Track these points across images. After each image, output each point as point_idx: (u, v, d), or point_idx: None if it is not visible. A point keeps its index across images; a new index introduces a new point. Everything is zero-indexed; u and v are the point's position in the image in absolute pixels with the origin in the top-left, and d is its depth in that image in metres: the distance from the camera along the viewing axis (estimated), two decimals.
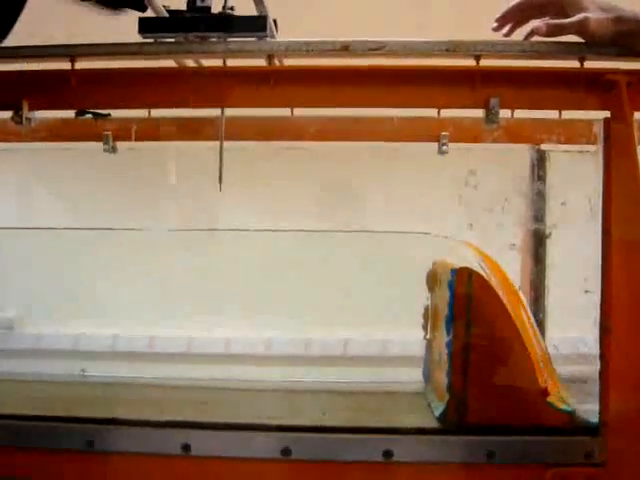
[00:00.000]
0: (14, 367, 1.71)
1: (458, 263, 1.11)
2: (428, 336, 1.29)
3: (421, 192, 1.53)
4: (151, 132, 1.35)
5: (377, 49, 1.03)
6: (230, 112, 1.23)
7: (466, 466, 1.04)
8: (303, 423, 1.07)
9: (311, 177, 1.58)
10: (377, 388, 1.35)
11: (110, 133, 1.35)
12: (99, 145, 1.35)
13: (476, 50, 1.04)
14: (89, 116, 1.14)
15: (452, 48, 1.04)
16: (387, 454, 1.03)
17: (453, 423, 1.06)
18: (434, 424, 1.09)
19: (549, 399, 1.05)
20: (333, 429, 1.06)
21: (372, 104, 1.12)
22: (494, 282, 1.06)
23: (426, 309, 1.29)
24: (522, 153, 1.37)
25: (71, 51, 1.08)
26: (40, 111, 1.13)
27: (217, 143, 1.33)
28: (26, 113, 1.08)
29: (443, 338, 1.13)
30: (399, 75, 1.07)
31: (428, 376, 1.29)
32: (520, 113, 1.20)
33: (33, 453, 1.07)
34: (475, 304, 1.04)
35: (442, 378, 1.13)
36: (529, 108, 1.11)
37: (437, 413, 1.09)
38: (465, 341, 1.05)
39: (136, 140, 1.36)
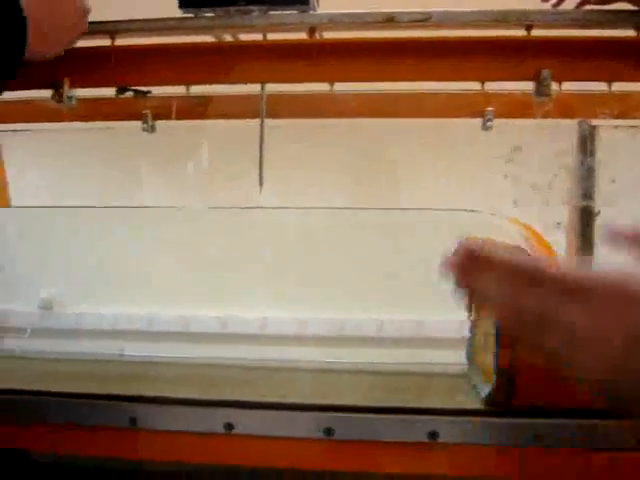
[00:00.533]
0: (53, 346, 1.74)
1: (506, 241, 1.07)
2: (472, 317, 1.26)
3: (464, 169, 1.50)
4: (190, 110, 1.33)
5: (423, 20, 1.00)
6: (267, 88, 1.21)
7: (512, 448, 1.02)
8: (346, 403, 1.05)
9: (350, 154, 1.55)
10: (417, 370, 1.32)
11: (149, 112, 1.33)
12: (137, 124, 1.34)
13: (527, 20, 1.00)
14: (130, 94, 1.13)
15: (501, 18, 1.01)
16: (432, 435, 1.01)
17: (500, 405, 1.03)
18: (480, 405, 1.06)
19: None
20: (377, 409, 1.04)
21: (417, 78, 1.09)
22: None
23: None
24: (570, 128, 1.32)
25: (111, 27, 1.07)
26: (79, 90, 1.14)
27: (251, 121, 1.32)
28: (67, 91, 1.08)
29: (489, 319, 1.10)
30: (445, 47, 1.04)
31: (472, 357, 1.26)
32: (568, 85, 1.16)
33: (77, 430, 1.07)
34: None
35: (488, 359, 1.10)
36: (581, 80, 1.07)
37: (483, 394, 1.06)
38: None
39: (175, 119, 1.35)
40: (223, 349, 1.73)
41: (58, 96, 1.06)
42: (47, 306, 1.91)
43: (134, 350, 1.66)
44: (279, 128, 1.23)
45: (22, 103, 1.31)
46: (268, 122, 1.32)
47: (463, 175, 1.49)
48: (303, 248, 1.56)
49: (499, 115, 1.33)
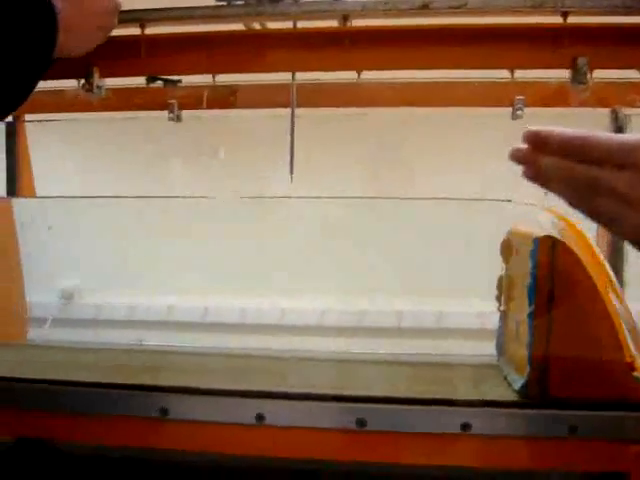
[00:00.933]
0: (75, 336, 1.75)
1: (538, 231, 1.06)
2: (502, 308, 1.25)
3: (494, 159, 1.47)
4: (217, 100, 1.32)
5: (458, 7, 0.98)
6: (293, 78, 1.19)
7: (546, 440, 1.02)
8: (378, 394, 1.05)
9: (377, 144, 1.53)
10: (446, 360, 1.31)
11: (175, 101, 1.32)
12: (163, 114, 1.34)
13: (563, 6, 0.98)
14: (159, 83, 1.12)
15: (537, 4, 0.99)
16: (465, 427, 1.00)
17: (534, 396, 1.02)
18: (513, 397, 1.05)
19: (635, 373, 1.00)
20: (409, 400, 1.04)
21: (450, 65, 1.08)
22: (579, 252, 1.01)
23: (500, 280, 1.25)
24: (600, 117, 1.30)
25: (141, 16, 1.06)
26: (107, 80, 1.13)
27: (280, 111, 1.30)
28: (96, 81, 1.07)
29: (521, 309, 1.09)
30: (480, 34, 1.03)
31: (502, 348, 1.25)
32: (597, 73, 1.14)
33: (106, 420, 1.08)
34: (559, 274, 1.00)
35: (520, 350, 1.09)
36: (618, 68, 1.05)
37: (516, 386, 1.05)
38: (548, 312, 1.00)
39: (201, 108, 1.35)
40: (242, 339, 1.73)
41: (88, 85, 1.05)
42: (68, 296, 1.92)
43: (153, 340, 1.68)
44: (306, 118, 1.22)
45: (50, 93, 1.30)
46: (296, 111, 1.31)
47: (493, 165, 1.47)
48: (334, 238, 1.56)
49: (529, 104, 1.32)
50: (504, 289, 1.24)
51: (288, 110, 1.29)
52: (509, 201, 1.15)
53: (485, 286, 1.27)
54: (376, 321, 1.78)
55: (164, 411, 1.05)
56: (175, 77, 1.12)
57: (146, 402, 1.05)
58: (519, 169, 1.47)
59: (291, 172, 1.17)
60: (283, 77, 1.26)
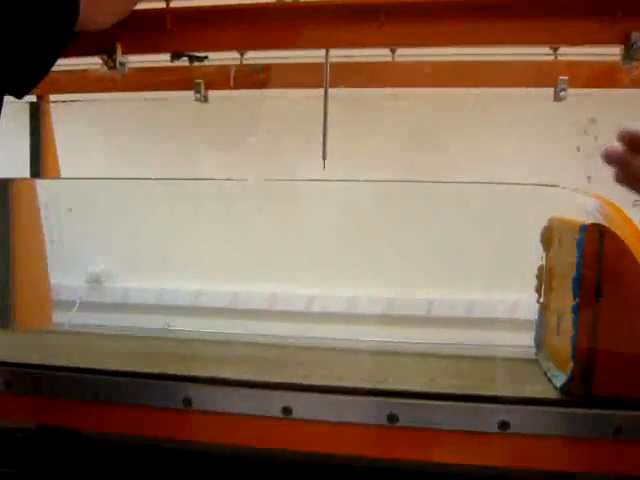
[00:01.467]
0: (103, 320, 1.73)
1: (584, 219, 1.00)
2: (542, 300, 1.19)
3: (535, 142, 1.41)
4: (245, 79, 1.27)
5: None
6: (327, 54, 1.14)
7: (589, 441, 0.95)
8: (410, 388, 1.00)
9: (413, 126, 1.47)
10: (482, 353, 1.26)
11: (202, 81, 1.28)
12: (190, 94, 1.29)
13: None
14: (185, 59, 1.07)
15: None
16: (503, 425, 0.95)
17: (577, 394, 0.96)
18: (554, 395, 0.99)
19: None
20: (444, 396, 0.98)
21: (493, 41, 1.01)
22: (629, 241, 0.94)
23: (540, 270, 1.19)
24: None
25: None
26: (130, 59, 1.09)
27: (312, 92, 1.25)
28: (119, 57, 1.03)
29: (564, 302, 1.02)
30: (527, 7, 0.96)
31: (541, 342, 1.19)
32: None
33: (128, 409, 1.04)
34: (607, 265, 0.93)
35: (562, 345, 1.03)
36: None
37: (558, 383, 0.99)
38: (594, 306, 0.94)
39: (229, 88, 1.30)
40: (268, 326, 1.69)
41: (111, 62, 1.01)
42: (96, 280, 1.89)
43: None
44: (337, 97, 1.17)
45: (74, 73, 1.27)
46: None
47: (533, 148, 1.40)
48: (368, 223, 1.50)
49: (573, 85, 1.24)
50: (544, 280, 1.18)
51: (316, 91, 1.24)
52: (555, 186, 1.08)
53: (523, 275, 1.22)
54: (408, 309, 1.72)
55: (187, 401, 1.01)
56: (202, 54, 1.08)
57: (170, 392, 1.01)
58: (560, 153, 1.42)
59: (324, 157, 1.11)
60: (313, 55, 1.21)
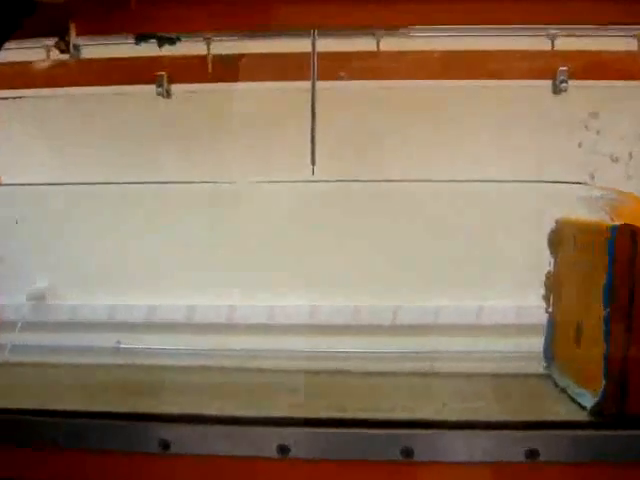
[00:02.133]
0: (46, 341, 1.54)
1: (608, 219, 0.90)
2: (550, 308, 1.09)
3: (534, 137, 1.31)
4: (213, 72, 1.13)
5: None
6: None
7: (627, 466, 0.85)
8: (424, 417, 0.87)
9: (412, 118, 1.35)
10: (487, 370, 1.15)
11: (165, 74, 1.13)
12: (151, 89, 1.14)
13: None
14: (153, 41, 0.93)
15: None
16: (531, 454, 0.83)
17: (610, 415, 0.86)
18: (583, 416, 0.88)
19: None
20: (463, 424, 0.86)
21: (500, 20, 0.91)
22: None
23: (548, 276, 1.09)
24: None
25: None
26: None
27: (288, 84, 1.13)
28: (73, 39, 0.87)
29: (585, 311, 0.93)
30: None
31: (553, 354, 1.08)
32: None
33: (94, 456, 0.88)
34: None
35: (585, 359, 0.93)
36: None
37: (586, 403, 0.89)
38: (628, 316, 0.84)
39: (195, 82, 1.16)
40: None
41: (63, 45, 0.85)
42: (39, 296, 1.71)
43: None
44: (325, 91, 1.04)
45: (15, 65, 1.10)
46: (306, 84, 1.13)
47: (532, 144, 1.31)
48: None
49: (572, 76, 1.16)
50: (553, 287, 1.08)
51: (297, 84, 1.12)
52: (582, 184, 0.99)
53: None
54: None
55: (164, 444, 0.86)
56: (172, 35, 0.93)
57: (144, 435, 0.86)
58: (560, 149, 1.32)
59: (313, 163, 1.00)
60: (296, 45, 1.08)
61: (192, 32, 0.95)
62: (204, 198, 1.41)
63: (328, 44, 1.08)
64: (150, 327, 1.66)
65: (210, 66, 1.04)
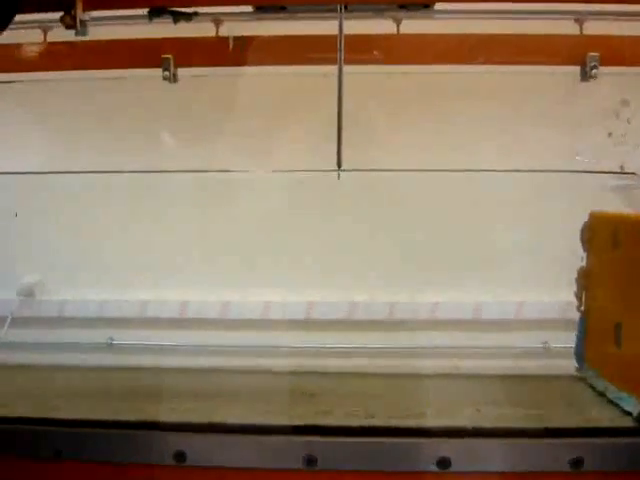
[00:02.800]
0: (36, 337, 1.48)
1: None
2: (582, 307, 1.03)
3: (561, 126, 1.25)
4: (223, 54, 1.06)
5: None
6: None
7: None
8: (460, 425, 0.81)
9: (426, 107, 1.28)
10: (516, 372, 1.09)
11: (171, 57, 1.06)
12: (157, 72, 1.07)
13: None
14: (167, 17, 0.85)
15: None
16: (576, 463, 0.78)
17: None
18: (628, 422, 0.83)
19: None
20: (501, 432, 0.80)
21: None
22: None
23: (580, 273, 1.03)
24: None
25: None
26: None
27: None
28: (80, 14, 0.80)
29: (625, 309, 0.87)
30: None
31: (586, 356, 1.02)
32: None
33: (104, 469, 0.81)
34: None
35: (628, 361, 0.87)
36: None
37: (631, 408, 0.83)
38: None
39: (203, 65, 1.09)
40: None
41: (70, 20, 0.78)
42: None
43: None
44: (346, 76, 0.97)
45: (10, 47, 1.02)
46: (324, 69, 1.07)
47: (558, 132, 1.24)
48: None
49: (603, 63, 1.10)
50: (586, 284, 1.02)
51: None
52: (633, 174, 0.93)
53: None
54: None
55: (180, 456, 0.79)
56: (189, 10, 0.86)
57: (157, 445, 0.79)
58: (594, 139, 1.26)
59: (339, 165, 0.93)
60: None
61: (210, 6, 0.87)
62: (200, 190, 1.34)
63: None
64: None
65: (231, 45, 0.95)
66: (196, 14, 0.87)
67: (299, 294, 1.44)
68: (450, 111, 1.25)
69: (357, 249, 1.36)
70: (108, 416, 0.83)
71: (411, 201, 1.28)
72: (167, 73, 1.06)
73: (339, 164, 0.95)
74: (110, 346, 1.53)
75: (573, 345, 1.04)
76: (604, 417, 0.85)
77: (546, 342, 1.25)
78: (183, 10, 0.86)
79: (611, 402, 0.89)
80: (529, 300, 1.28)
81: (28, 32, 1.05)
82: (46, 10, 0.79)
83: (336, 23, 1.01)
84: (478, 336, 1.29)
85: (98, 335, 1.52)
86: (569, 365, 1.04)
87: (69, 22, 0.78)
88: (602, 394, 0.92)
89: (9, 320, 1.50)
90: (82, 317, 1.52)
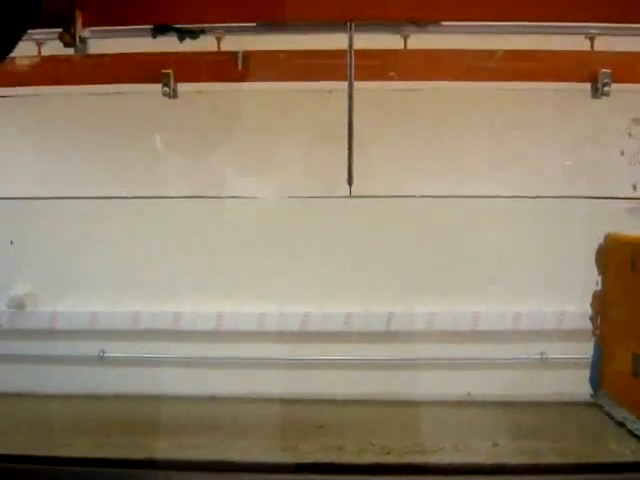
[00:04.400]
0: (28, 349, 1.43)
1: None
2: (598, 332, 1.00)
3: (572, 144, 1.22)
4: (225, 70, 1.02)
5: None
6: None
7: None
8: (478, 461, 0.77)
9: (432, 123, 1.24)
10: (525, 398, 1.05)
11: (171, 72, 1.02)
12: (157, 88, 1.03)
13: None
14: (172, 34, 0.81)
15: None
16: None
17: None
18: None
19: None
20: (520, 469, 0.77)
21: (553, 17, 0.82)
22: None
23: (595, 296, 1.00)
24: None
25: None
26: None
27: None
28: (79, 30, 0.76)
29: (635, 337, 0.84)
30: None
31: (599, 381, 0.99)
32: None
33: None
34: None
35: None
36: None
37: None
38: None
39: (203, 81, 1.05)
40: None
41: (69, 37, 0.74)
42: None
43: None
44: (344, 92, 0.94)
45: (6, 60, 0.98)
46: (328, 84, 1.03)
47: (569, 152, 1.21)
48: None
49: (615, 79, 1.07)
50: (602, 309, 0.99)
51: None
52: None
53: None
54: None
55: None
56: (195, 26, 0.82)
57: None
58: (606, 158, 1.23)
59: (350, 182, 0.90)
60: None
61: (217, 23, 0.83)
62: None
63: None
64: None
65: (240, 63, 0.91)
66: (203, 32, 0.83)
67: None
68: (462, 131, 1.22)
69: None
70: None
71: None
72: (167, 89, 1.02)
73: (350, 181, 0.91)
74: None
75: None
76: (626, 450, 0.82)
77: None
78: (189, 27, 0.82)
79: (631, 432, 0.86)
80: None
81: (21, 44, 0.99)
82: (44, 26, 0.74)
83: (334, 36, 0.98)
84: None
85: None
86: None
87: (68, 40, 0.74)
88: (621, 424, 0.89)
89: None
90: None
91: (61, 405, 1.12)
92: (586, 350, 1.16)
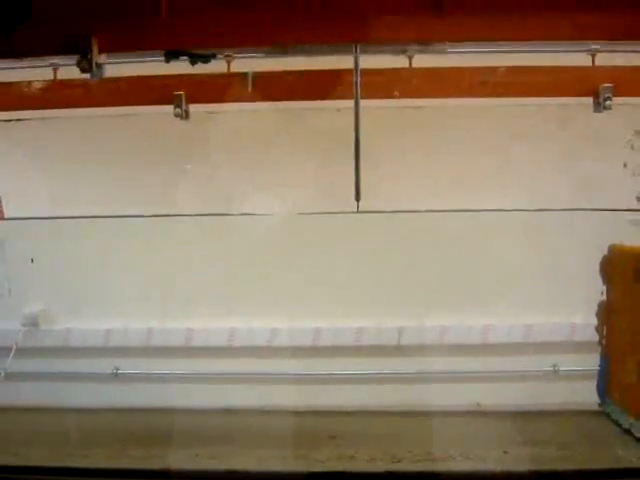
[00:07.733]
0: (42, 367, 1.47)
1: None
2: (604, 340, 1.01)
3: (575, 158, 1.24)
4: (235, 91, 1.05)
5: None
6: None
7: None
8: (488, 468, 0.79)
9: (439, 140, 1.27)
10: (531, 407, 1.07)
11: (183, 94, 1.05)
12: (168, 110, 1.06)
13: None
14: (184, 58, 0.84)
15: None
16: None
17: None
18: None
19: None
20: (531, 477, 0.78)
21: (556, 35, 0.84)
22: None
23: (600, 306, 1.01)
24: None
25: None
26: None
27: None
28: (96, 56, 0.79)
29: None
30: None
31: (606, 390, 1.01)
32: None
33: None
34: None
35: None
36: None
37: None
38: None
39: (214, 102, 1.08)
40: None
41: (86, 63, 0.77)
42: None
43: None
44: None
45: (20, 85, 1.01)
46: (337, 104, 1.06)
47: (573, 165, 1.23)
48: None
49: (617, 93, 1.09)
50: (607, 318, 1.00)
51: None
52: None
53: None
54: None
55: None
56: (207, 52, 0.85)
57: None
58: (609, 171, 1.25)
59: (357, 198, 0.93)
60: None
61: (227, 47, 0.86)
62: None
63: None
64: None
65: (250, 85, 0.94)
66: (214, 56, 0.86)
67: None
68: (468, 146, 1.25)
69: None
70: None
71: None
72: (179, 110, 1.05)
73: (357, 197, 0.94)
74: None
75: None
76: (633, 456, 0.83)
77: None
78: (201, 52, 0.85)
79: (637, 439, 0.88)
80: None
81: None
82: (63, 54, 0.77)
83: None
84: None
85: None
86: None
87: (85, 66, 0.77)
88: (629, 431, 0.91)
89: None
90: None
91: (77, 418, 1.14)
92: (594, 361, 1.19)
